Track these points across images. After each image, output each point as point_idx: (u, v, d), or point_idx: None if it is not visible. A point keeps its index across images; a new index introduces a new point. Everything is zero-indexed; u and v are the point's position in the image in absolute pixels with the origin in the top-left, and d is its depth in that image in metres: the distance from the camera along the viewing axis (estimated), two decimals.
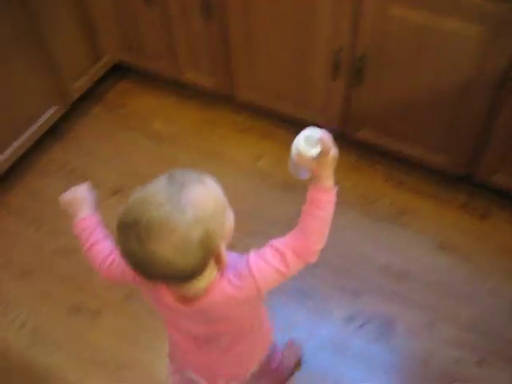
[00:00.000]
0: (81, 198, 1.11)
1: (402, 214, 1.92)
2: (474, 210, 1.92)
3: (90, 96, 2.33)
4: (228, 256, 0.88)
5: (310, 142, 0.88)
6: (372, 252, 1.82)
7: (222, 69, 2.03)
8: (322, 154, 0.88)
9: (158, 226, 0.78)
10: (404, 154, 1.91)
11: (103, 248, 1.06)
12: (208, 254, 0.84)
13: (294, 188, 1.88)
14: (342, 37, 1.66)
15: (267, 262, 0.93)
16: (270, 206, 1.96)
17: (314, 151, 0.88)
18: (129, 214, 0.81)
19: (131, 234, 0.79)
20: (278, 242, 0.95)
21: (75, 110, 2.27)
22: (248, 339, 1.10)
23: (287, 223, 0.97)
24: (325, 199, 0.94)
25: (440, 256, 1.80)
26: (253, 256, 0.95)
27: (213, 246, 0.83)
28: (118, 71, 2.40)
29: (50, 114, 2.10)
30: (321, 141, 0.87)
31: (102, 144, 2.22)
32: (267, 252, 0.94)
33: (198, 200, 0.81)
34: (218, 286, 0.92)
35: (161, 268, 0.80)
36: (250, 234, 1.66)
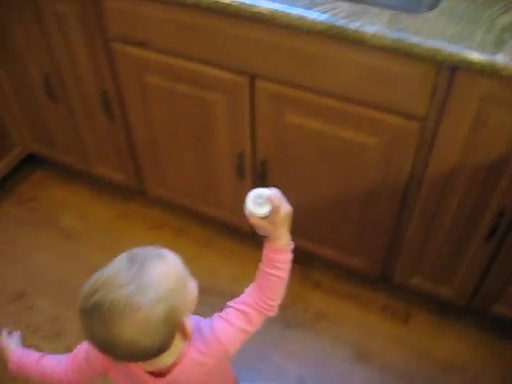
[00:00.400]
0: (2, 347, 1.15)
1: (319, 318, 1.81)
2: (395, 312, 1.82)
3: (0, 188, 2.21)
4: (192, 320, 0.90)
5: (259, 201, 0.90)
6: (284, 363, 1.70)
7: (131, 165, 1.94)
8: (273, 212, 0.89)
9: (121, 306, 0.78)
10: (318, 254, 1.82)
11: (51, 364, 1.08)
12: (173, 329, 0.86)
13: (211, 291, 1.76)
14: (242, 141, 1.60)
15: (233, 325, 0.96)
16: None
17: (264, 210, 0.90)
18: (91, 297, 0.80)
19: (95, 318, 0.80)
20: (240, 303, 0.98)
21: None
22: None
23: None
24: (281, 259, 0.96)
25: (357, 367, 1.69)
26: (217, 321, 0.97)
27: (177, 320, 0.85)
28: (32, 162, 2.30)
29: None
30: (270, 199, 0.89)
31: (8, 242, 2.08)
32: (230, 314, 0.97)
33: (159, 278, 0.82)
34: (188, 355, 0.94)
35: (127, 348, 0.82)
36: None
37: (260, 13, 1.27)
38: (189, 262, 0.94)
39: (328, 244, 1.75)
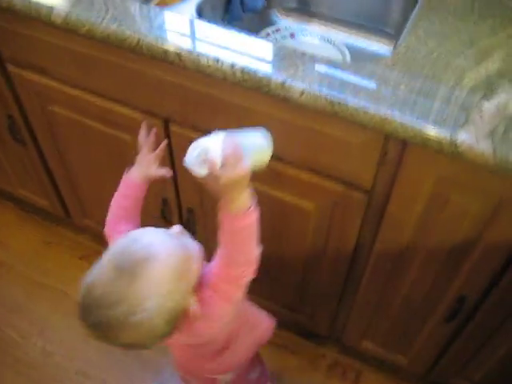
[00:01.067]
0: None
1: None
2: (343, 372, 1.61)
3: None
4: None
5: (202, 158, 0.72)
6: None
7: (52, 193, 1.68)
8: (213, 176, 0.73)
9: (120, 324, 0.73)
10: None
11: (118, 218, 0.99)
12: (178, 317, 0.78)
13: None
14: (164, 188, 1.34)
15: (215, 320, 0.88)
16: None
17: (202, 171, 0.73)
18: (87, 317, 0.74)
19: (97, 333, 0.75)
20: (214, 285, 0.84)
21: None
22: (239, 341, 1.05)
23: None
24: (237, 226, 0.79)
25: None
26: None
27: (181, 311, 0.78)
28: None
29: None
30: (208, 163, 0.72)
31: None
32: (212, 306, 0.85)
33: (153, 286, 0.73)
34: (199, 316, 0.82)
35: (134, 348, 0.81)
36: None
37: (165, 52, 1.00)
38: None
39: (272, 299, 1.52)
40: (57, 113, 1.34)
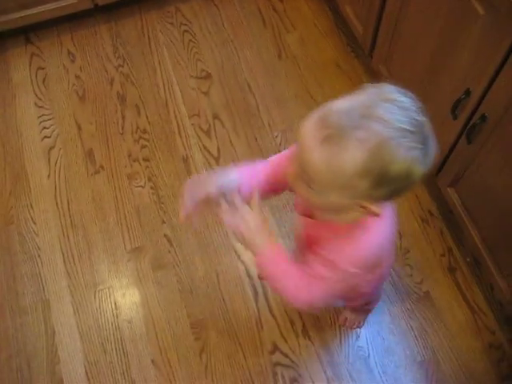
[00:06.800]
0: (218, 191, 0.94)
1: None
2: None
3: None
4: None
5: None
6: None
7: (372, 22, 1.65)
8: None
9: None
10: None
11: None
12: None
13: None
14: (476, 78, 1.23)
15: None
16: None
17: None
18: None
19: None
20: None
21: None
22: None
23: None
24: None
25: None
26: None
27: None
28: None
29: None
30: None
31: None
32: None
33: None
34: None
35: None
36: None
37: None
38: None
39: None
40: None
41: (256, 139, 1.82)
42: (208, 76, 1.95)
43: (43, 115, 1.91)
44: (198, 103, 1.90)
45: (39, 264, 1.65)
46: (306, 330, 1.52)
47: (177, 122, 1.86)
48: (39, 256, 1.66)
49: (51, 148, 1.85)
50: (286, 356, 1.50)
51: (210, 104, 1.89)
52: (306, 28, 2.04)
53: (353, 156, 0.71)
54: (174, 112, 1.89)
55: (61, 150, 1.85)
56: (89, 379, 1.49)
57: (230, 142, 1.82)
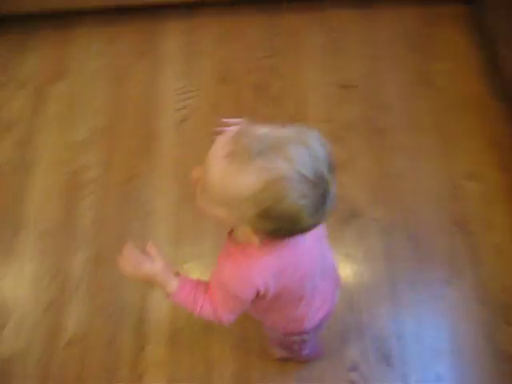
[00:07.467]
0: (154, 273, 0.96)
1: None
2: None
3: None
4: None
5: None
6: None
7: None
8: None
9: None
10: None
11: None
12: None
13: None
14: None
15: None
16: None
17: None
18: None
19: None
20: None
21: None
22: None
23: None
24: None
25: None
26: None
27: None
28: None
29: None
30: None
31: None
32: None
33: None
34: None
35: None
36: None
37: None
38: None
39: None
40: None
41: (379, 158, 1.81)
42: (347, 86, 1.96)
43: (184, 87, 2.00)
44: (332, 110, 1.92)
45: (148, 226, 1.73)
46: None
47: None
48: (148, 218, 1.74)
49: (183, 120, 1.93)
50: None
51: (344, 113, 1.91)
52: (454, 59, 1.99)
53: (248, 181, 0.72)
54: (307, 114, 1.92)
55: (192, 123, 1.92)
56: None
57: (358, 154, 1.83)
